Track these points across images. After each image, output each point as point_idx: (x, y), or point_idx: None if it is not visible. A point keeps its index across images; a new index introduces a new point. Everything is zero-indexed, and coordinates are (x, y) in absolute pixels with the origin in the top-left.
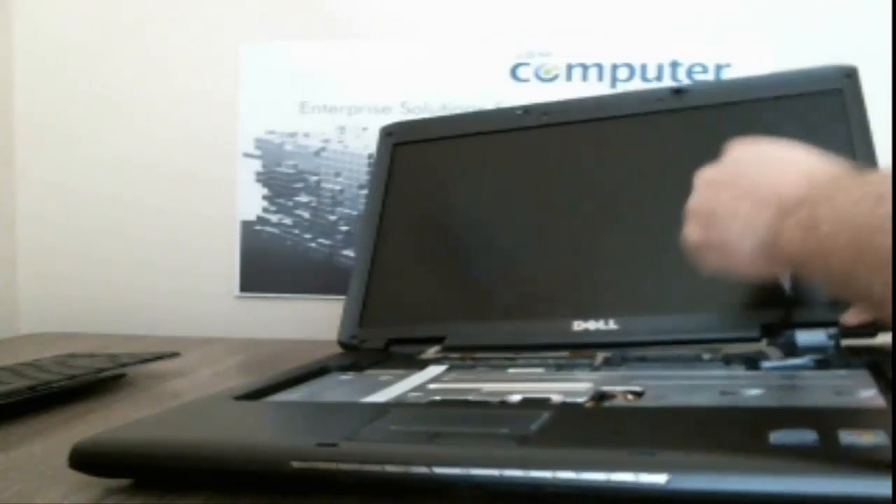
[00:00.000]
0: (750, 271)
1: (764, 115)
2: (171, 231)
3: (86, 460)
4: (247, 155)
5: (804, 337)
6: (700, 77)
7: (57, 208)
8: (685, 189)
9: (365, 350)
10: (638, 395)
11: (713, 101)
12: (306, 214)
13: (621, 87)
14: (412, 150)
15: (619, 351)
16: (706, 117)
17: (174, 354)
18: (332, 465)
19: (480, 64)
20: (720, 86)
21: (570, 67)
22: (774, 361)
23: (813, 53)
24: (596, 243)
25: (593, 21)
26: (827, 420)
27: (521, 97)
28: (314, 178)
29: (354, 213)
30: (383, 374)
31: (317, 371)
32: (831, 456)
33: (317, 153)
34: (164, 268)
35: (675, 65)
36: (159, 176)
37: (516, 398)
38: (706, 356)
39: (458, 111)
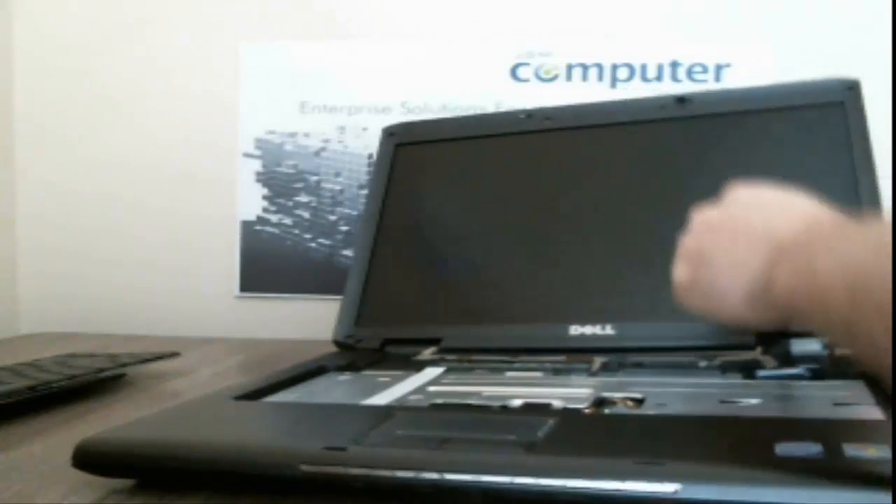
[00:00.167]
0: (737, 316)
1: (766, 126)
2: (171, 231)
3: (89, 460)
4: (247, 155)
5: (798, 346)
6: (700, 77)
7: (57, 208)
8: (685, 197)
9: (360, 350)
10: (638, 401)
11: (715, 110)
12: (306, 214)
13: (621, 87)
14: (414, 150)
15: (615, 356)
16: (708, 126)
17: (174, 354)
18: (341, 470)
19: (480, 64)
20: (723, 95)
21: (570, 67)
22: (769, 370)
23: (813, 54)
24: (594, 249)
25: (593, 21)
26: (830, 433)
27: (521, 97)
28: (314, 178)
29: (354, 213)
30: (381, 375)
31: (314, 371)
32: (837, 468)
33: (317, 153)
34: (164, 268)
35: (675, 65)
36: (159, 176)
37: (517, 403)
38: (702, 363)
39: (458, 111)
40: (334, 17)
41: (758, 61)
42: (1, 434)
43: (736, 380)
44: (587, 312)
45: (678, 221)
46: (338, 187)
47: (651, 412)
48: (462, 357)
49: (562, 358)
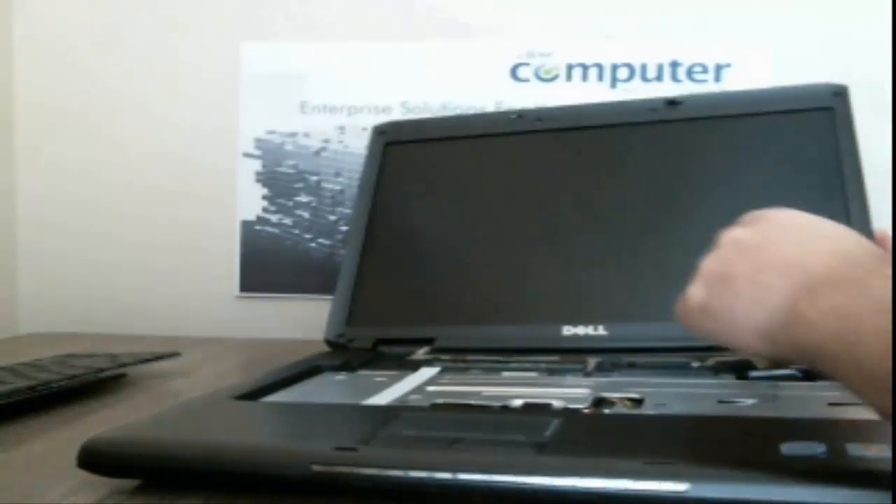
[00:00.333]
0: (749, 347)
1: (755, 129)
2: (171, 231)
3: (95, 460)
4: (247, 155)
5: None
6: (700, 77)
7: (56, 208)
8: (675, 199)
9: (352, 349)
10: (637, 402)
11: (706, 113)
12: (306, 214)
13: (621, 88)
14: (404, 149)
15: (608, 357)
16: (698, 129)
17: (174, 354)
18: (353, 470)
19: (480, 64)
20: (713, 98)
21: (570, 67)
22: (761, 371)
23: (813, 54)
24: (585, 249)
25: (593, 21)
26: (832, 432)
27: (521, 97)
28: (314, 178)
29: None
30: (377, 375)
31: (309, 371)
32: (842, 467)
33: (317, 153)
34: (163, 268)
35: (675, 65)
36: (159, 176)
37: (518, 403)
38: (694, 364)
39: (458, 111)
40: (334, 16)
41: (758, 61)
42: (1, 434)
43: (729, 380)
44: (580, 313)
45: (668, 223)
46: (338, 187)
47: (651, 412)
48: (456, 357)
49: (555, 358)
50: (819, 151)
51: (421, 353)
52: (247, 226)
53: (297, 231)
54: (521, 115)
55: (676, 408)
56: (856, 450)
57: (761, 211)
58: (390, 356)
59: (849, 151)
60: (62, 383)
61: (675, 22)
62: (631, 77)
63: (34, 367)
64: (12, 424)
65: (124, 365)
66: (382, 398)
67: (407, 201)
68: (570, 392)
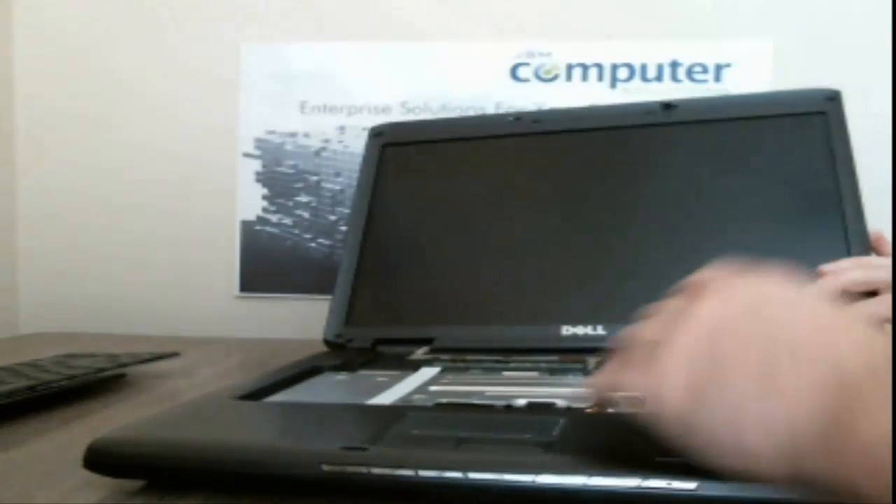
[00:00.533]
0: (761, 467)
1: (749, 134)
2: (171, 231)
3: (101, 460)
4: (247, 155)
5: None
6: (700, 77)
7: (57, 208)
8: (670, 202)
9: (351, 349)
10: (641, 400)
11: (701, 116)
12: (306, 214)
13: (621, 88)
14: (401, 151)
15: (608, 356)
16: (693, 132)
17: (174, 354)
18: (363, 470)
19: (480, 64)
20: (709, 102)
21: (570, 67)
22: None
23: (813, 54)
24: (583, 250)
25: (593, 21)
26: None
27: (521, 97)
28: (314, 178)
29: None
30: (378, 375)
31: (310, 371)
32: None
33: (317, 153)
34: (164, 268)
35: (675, 65)
36: (159, 176)
37: (522, 402)
38: None
39: (458, 111)
40: (334, 17)
41: (758, 61)
42: (1, 434)
43: None
44: (579, 313)
45: (665, 224)
46: (338, 187)
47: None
48: (456, 357)
49: (555, 358)
50: (813, 156)
51: (420, 353)
52: (247, 226)
53: (297, 231)
54: (519, 117)
55: None
56: None
57: (728, 279)
58: (390, 356)
59: (843, 156)
60: (62, 383)
61: (675, 22)
62: (631, 77)
63: (34, 367)
64: (12, 424)
65: (124, 365)
66: (386, 398)
67: (404, 202)
68: (572, 392)
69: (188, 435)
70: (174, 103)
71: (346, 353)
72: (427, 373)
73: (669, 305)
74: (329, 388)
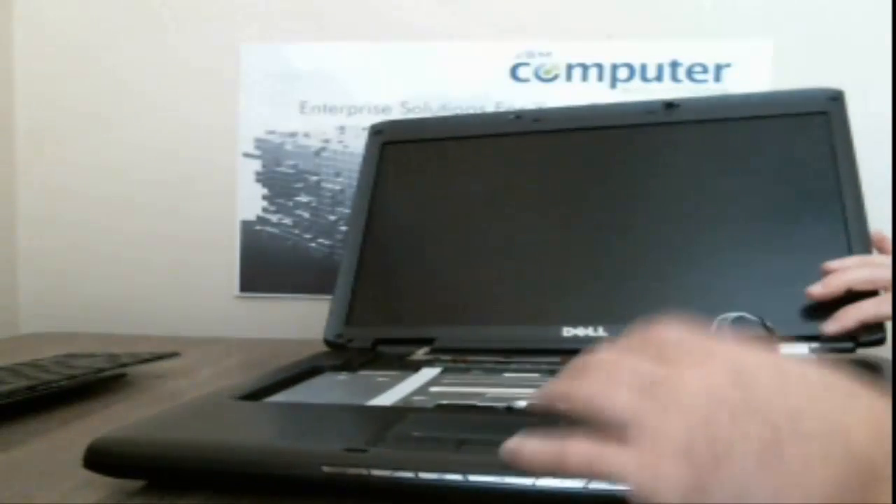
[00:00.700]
0: None
1: (752, 133)
2: (171, 231)
3: (101, 460)
4: (247, 155)
5: (786, 350)
6: (700, 77)
7: (57, 208)
8: (672, 201)
9: (352, 349)
10: None
11: (702, 116)
12: (306, 214)
13: (621, 88)
14: (401, 149)
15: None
16: (695, 132)
17: (174, 354)
18: (364, 471)
19: (480, 64)
20: (710, 102)
21: (570, 67)
22: None
23: (813, 53)
24: (584, 250)
25: (593, 21)
26: None
27: (521, 97)
28: (314, 178)
29: None
30: (378, 376)
31: (310, 371)
32: None
33: (317, 153)
34: (164, 268)
35: (675, 65)
36: (159, 176)
37: (522, 404)
38: None
39: (458, 111)
40: (334, 17)
41: (758, 61)
42: (1, 434)
43: None
44: (580, 314)
45: (667, 224)
46: (338, 187)
47: None
48: (456, 357)
49: (556, 359)
50: (815, 155)
51: (421, 353)
52: (247, 226)
53: (297, 231)
54: (520, 115)
55: None
56: None
57: (697, 341)
58: (390, 356)
59: (845, 155)
60: (62, 383)
61: (675, 22)
62: (631, 77)
63: (34, 367)
64: (12, 424)
65: (124, 365)
66: (386, 399)
67: (405, 201)
68: None
69: (188, 435)
70: (174, 103)
71: (346, 353)
72: (427, 373)
73: (628, 355)
74: (329, 389)
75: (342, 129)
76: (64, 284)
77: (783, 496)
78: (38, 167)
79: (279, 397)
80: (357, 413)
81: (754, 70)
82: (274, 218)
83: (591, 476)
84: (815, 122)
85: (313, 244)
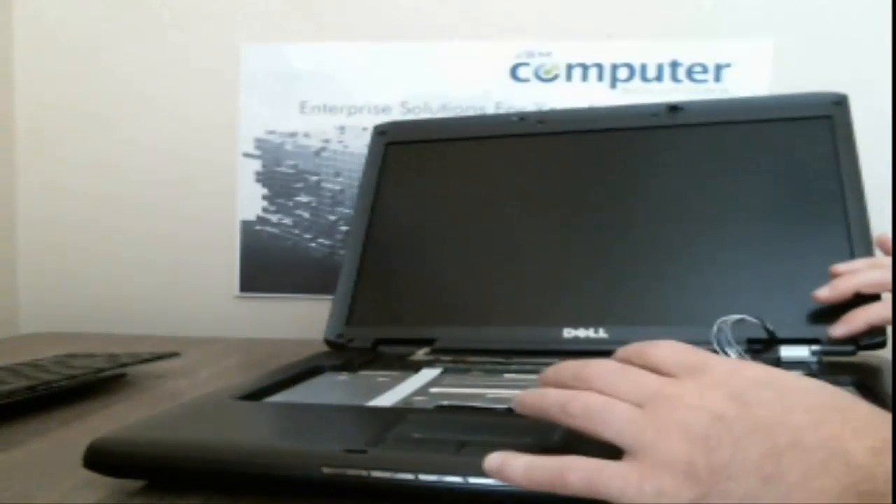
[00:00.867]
0: None
1: (755, 136)
2: (171, 231)
3: (101, 460)
4: (247, 155)
5: (788, 352)
6: (700, 77)
7: (57, 208)
8: (675, 204)
9: (352, 349)
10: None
11: (706, 119)
12: (306, 214)
13: (621, 88)
14: (405, 150)
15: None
16: (699, 135)
17: (174, 354)
18: (364, 473)
19: (480, 64)
20: (714, 104)
21: (570, 67)
22: None
23: (813, 54)
24: (586, 252)
25: (593, 21)
26: None
27: (521, 97)
28: (314, 178)
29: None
30: (378, 376)
31: (311, 371)
32: None
33: (317, 153)
34: (164, 268)
35: (675, 65)
36: (159, 176)
37: None
38: None
39: (458, 111)
40: (334, 17)
41: (758, 61)
42: (1, 434)
43: None
44: (580, 315)
45: (669, 227)
46: (338, 187)
47: None
48: (457, 358)
49: (557, 360)
50: (818, 160)
51: (421, 353)
52: (247, 226)
53: (297, 231)
54: (523, 117)
55: None
56: None
57: (693, 356)
58: (391, 356)
59: (848, 160)
60: (62, 383)
61: (675, 22)
62: (631, 77)
63: (34, 367)
64: (12, 424)
65: (124, 365)
66: (387, 399)
67: (408, 202)
68: None
69: (188, 435)
70: (174, 103)
71: (346, 353)
72: (428, 374)
73: (622, 365)
74: (329, 389)
75: (342, 129)
76: (64, 284)
77: None
78: (38, 167)
79: (279, 397)
80: (357, 414)
81: (754, 70)
82: (274, 218)
83: (591, 495)
84: (818, 125)
85: (313, 244)
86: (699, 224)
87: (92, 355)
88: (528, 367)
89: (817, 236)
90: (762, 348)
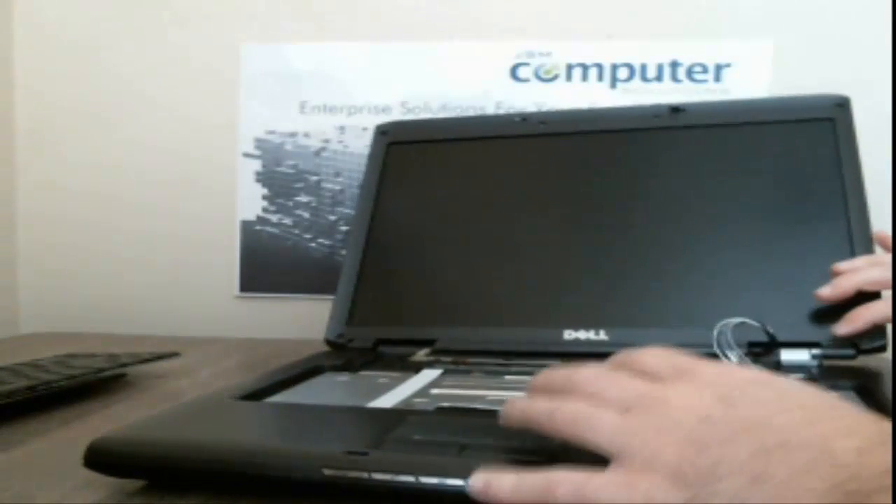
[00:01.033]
0: None
1: (757, 138)
2: (171, 231)
3: (102, 460)
4: (247, 155)
5: (788, 355)
6: (700, 77)
7: (57, 208)
8: (676, 206)
9: (352, 349)
10: None
11: (708, 121)
12: (306, 214)
13: (621, 88)
14: (407, 150)
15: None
16: (701, 136)
17: (174, 354)
18: (364, 475)
19: (480, 64)
20: (716, 106)
21: (570, 67)
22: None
23: (813, 54)
24: (587, 253)
25: (593, 21)
26: None
27: (521, 97)
28: (314, 178)
29: (354, 213)
30: (379, 377)
31: (311, 371)
32: None
33: (317, 153)
34: (164, 268)
35: (675, 65)
36: (159, 176)
37: None
38: None
39: (458, 111)
40: (334, 17)
41: (758, 61)
42: (1, 434)
43: None
44: (581, 317)
45: (671, 229)
46: (338, 187)
47: None
48: (457, 359)
49: (557, 362)
50: (820, 162)
51: (422, 354)
52: (247, 226)
53: (297, 231)
54: (526, 118)
55: None
56: None
57: (680, 360)
58: (391, 357)
59: (850, 163)
60: (62, 383)
61: (675, 22)
62: (631, 77)
63: (34, 367)
64: (12, 424)
65: (124, 365)
66: (387, 400)
67: (409, 202)
68: None
69: (188, 435)
70: (174, 103)
71: (347, 353)
72: (428, 375)
73: (612, 372)
74: (330, 389)
75: (342, 129)
76: (64, 284)
77: None
78: (38, 167)
79: (279, 398)
80: (358, 415)
81: (754, 70)
82: (274, 218)
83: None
84: (820, 128)
85: (313, 244)
86: (701, 226)
87: (92, 355)
88: (528, 368)
89: (818, 239)
90: (762, 351)
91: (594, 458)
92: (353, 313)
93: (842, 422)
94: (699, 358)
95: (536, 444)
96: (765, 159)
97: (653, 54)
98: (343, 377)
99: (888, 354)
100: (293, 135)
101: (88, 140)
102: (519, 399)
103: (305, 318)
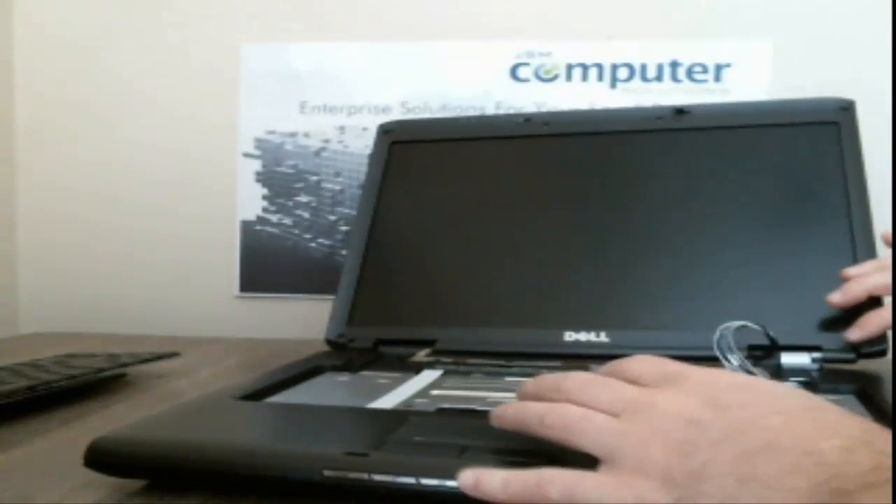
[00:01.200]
0: None
1: (761, 141)
2: (170, 231)
3: (102, 459)
4: (247, 155)
5: (789, 359)
6: (700, 77)
7: (57, 208)
8: (679, 207)
9: (353, 349)
10: None
11: (712, 123)
12: (306, 214)
13: (621, 88)
14: (409, 149)
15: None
16: (705, 139)
17: (174, 354)
18: (365, 476)
19: (480, 64)
20: (720, 108)
21: (570, 67)
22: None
23: (813, 54)
24: (589, 255)
25: (593, 21)
26: None
27: (521, 97)
28: (314, 178)
29: (354, 213)
30: (379, 377)
31: (311, 371)
32: None
33: (317, 153)
34: (163, 268)
35: (675, 65)
36: (159, 175)
37: None
38: None
39: (458, 111)
40: (334, 17)
41: (758, 61)
42: (1, 434)
43: None
44: (581, 318)
45: (673, 231)
46: (338, 187)
47: None
48: (457, 360)
49: (557, 363)
50: (824, 165)
51: (422, 354)
52: (247, 226)
53: (297, 231)
54: (529, 118)
55: None
56: None
57: (670, 366)
58: (391, 357)
59: (853, 166)
60: (62, 383)
61: (675, 22)
62: (631, 77)
63: (34, 367)
64: (12, 424)
65: (124, 365)
66: (387, 401)
67: (411, 201)
68: None
69: (188, 435)
70: (174, 103)
71: (347, 353)
72: (429, 376)
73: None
74: (330, 390)
75: (342, 129)
76: (64, 284)
77: None
78: (38, 166)
79: (280, 398)
80: (358, 416)
81: (754, 70)
82: (274, 218)
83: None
84: (825, 131)
85: (313, 244)
86: (704, 229)
87: (92, 355)
88: (528, 370)
89: (822, 243)
90: (763, 355)
91: (594, 462)
92: (353, 313)
93: (826, 422)
94: (687, 364)
95: (536, 447)
96: (768, 162)
97: (653, 54)
98: (343, 377)
99: (889, 358)
100: (293, 135)
101: (88, 140)
102: (511, 403)
103: (305, 318)
